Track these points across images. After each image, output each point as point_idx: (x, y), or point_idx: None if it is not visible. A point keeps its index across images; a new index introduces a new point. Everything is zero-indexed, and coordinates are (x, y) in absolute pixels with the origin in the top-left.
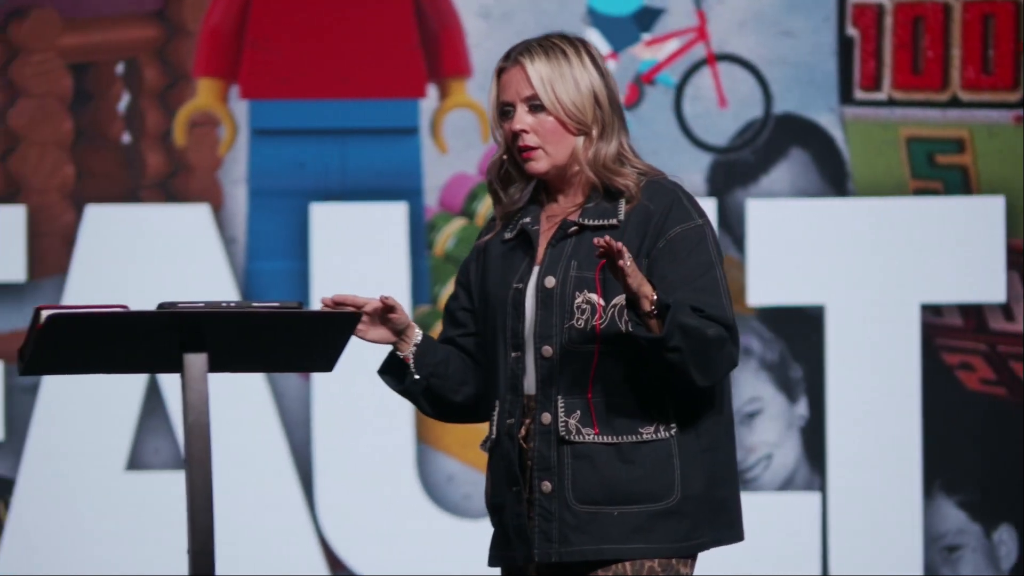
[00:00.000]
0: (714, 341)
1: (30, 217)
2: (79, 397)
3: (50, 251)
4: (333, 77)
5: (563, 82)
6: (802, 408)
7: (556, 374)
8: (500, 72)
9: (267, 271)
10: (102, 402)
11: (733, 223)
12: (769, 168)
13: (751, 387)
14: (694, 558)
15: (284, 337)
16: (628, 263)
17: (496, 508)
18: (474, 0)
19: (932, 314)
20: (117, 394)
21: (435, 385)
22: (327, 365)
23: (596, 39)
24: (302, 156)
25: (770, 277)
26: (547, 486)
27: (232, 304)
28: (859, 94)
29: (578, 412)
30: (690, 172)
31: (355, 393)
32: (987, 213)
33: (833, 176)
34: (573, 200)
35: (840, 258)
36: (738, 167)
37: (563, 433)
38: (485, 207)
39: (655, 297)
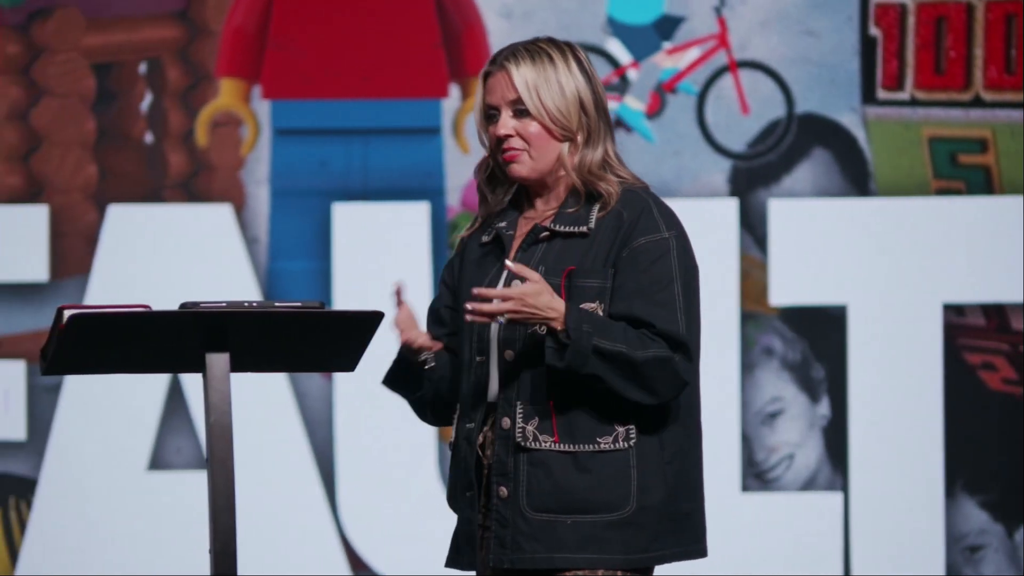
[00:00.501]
0: (647, 363)
1: (53, 217)
2: (101, 397)
3: (73, 251)
4: (355, 77)
5: (548, 87)
6: (824, 408)
7: (517, 379)
8: (486, 76)
9: (289, 271)
10: (124, 402)
11: (755, 223)
12: (791, 168)
13: (773, 387)
14: (650, 571)
15: (306, 337)
16: (511, 314)
17: (453, 510)
18: None
19: (954, 314)
20: (139, 394)
21: (442, 390)
22: (349, 365)
23: (617, 49)
24: (324, 156)
25: (792, 277)
26: (504, 492)
27: (254, 304)
28: (881, 94)
29: (537, 419)
30: (711, 173)
31: (377, 393)
32: (1010, 213)
33: (855, 176)
34: (551, 205)
35: (862, 258)
36: (760, 168)
37: (519, 439)
38: None
39: (564, 326)
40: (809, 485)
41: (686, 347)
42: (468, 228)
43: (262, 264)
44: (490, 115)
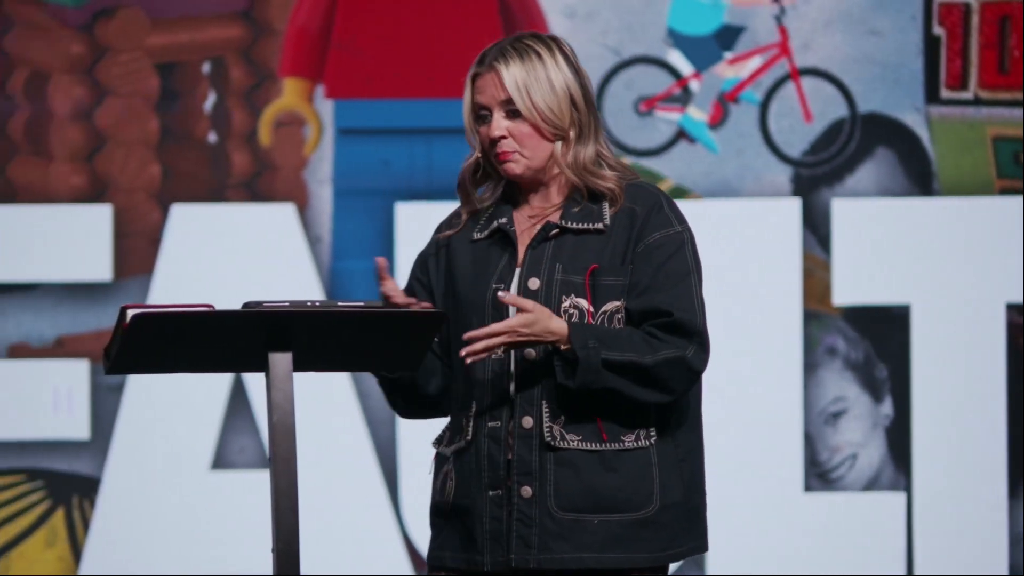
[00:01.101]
0: (659, 365)
1: (116, 216)
2: (164, 396)
3: (136, 250)
4: (418, 76)
5: (538, 86)
6: (887, 408)
7: (540, 378)
8: (475, 77)
9: (352, 270)
10: (187, 401)
11: (818, 223)
12: (855, 168)
13: (836, 387)
14: (666, 568)
15: (369, 337)
16: (508, 337)
17: (460, 510)
18: None
19: (1017, 313)
20: (202, 393)
21: (417, 375)
22: (412, 365)
23: (678, 60)
24: (387, 155)
25: (855, 277)
26: (527, 491)
27: (317, 303)
28: (945, 93)
29: (563, 417)
30: (774, 173)
31: None
32: None
33: (919, 175)
34: (550, 201)
35: (926, 257)
36: (823, 168)
37: (548, 438)
38: None
39: (570, 345)
40: (872, 485)
41: (701, 336)
42: (445, 228)
43: (325, 264)
44: (481, 115)
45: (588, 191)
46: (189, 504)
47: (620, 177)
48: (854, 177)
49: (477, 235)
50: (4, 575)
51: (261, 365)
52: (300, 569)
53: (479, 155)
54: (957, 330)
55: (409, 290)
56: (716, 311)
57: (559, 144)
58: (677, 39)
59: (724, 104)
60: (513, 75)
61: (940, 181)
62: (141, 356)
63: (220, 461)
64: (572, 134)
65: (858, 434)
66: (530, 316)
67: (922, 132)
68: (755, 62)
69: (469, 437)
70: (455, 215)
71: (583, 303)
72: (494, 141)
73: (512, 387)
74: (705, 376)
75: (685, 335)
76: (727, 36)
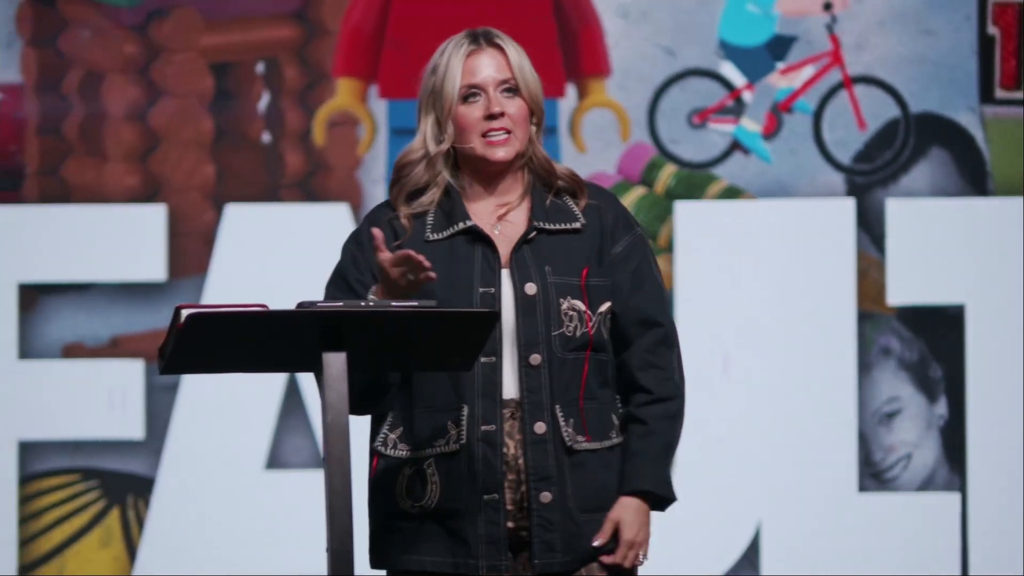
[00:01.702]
0: (677, 416)
1: (170, 216)
2: (219, 396)
3: (190, 250)
4: None
5: (527, 69)
6: (942, 408)
7: (547, 382)
8: (467, 55)
9: None
10: (241, 401)
11: (873, 222)
12: (909, 168)
13: (890, 387)
14: None
15: (422, 336)
16: (634, 559)
17: (445, 513)
18: None
19: None
20: (256, 393)
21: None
22: (465, 364)
23: (730, 71)
24: None
25: (910, 276)
26: (547, 496)
27: (371, 303)
28: (999, 93)
29: (572, 420)
30: (827, 173)
31: None
32: None
33: (973, 175)
34: (511, 194)
35: (980, 257)
36: (869, 164)
37: (569, 442)
38: (665, 175)
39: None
40: (927, 485)
41: (677, 338)
42: (395, 235)
43: None
44: (471, 95)
45: (544, 184)
46: (243, 504)
47: (568, 171)
48: (908, 177)
49: (434, 236)
50: (59, 575)
51: (315, 365)
52: (354, 569)
53: (437, 147)
54: (1012, 330)
55: (350, 290)
56: (770, 311)
57: (533, 129)
58: (729, 50)
59: (777, 114)
60: (512, 55)
61: (994, 181)
62: (195, 356)
63: (274, 461)
64: (539, 122)
65: (912, 434)
66: (632, 528)
67: (976, 132)
68: (807, 72)
69: (463, 441)
70: (385, 217)
71: (580, 305)
72: (491, 117)
73: (511, 392)
74: (759, 376)
75: (668, 345)
76: (779, 46)
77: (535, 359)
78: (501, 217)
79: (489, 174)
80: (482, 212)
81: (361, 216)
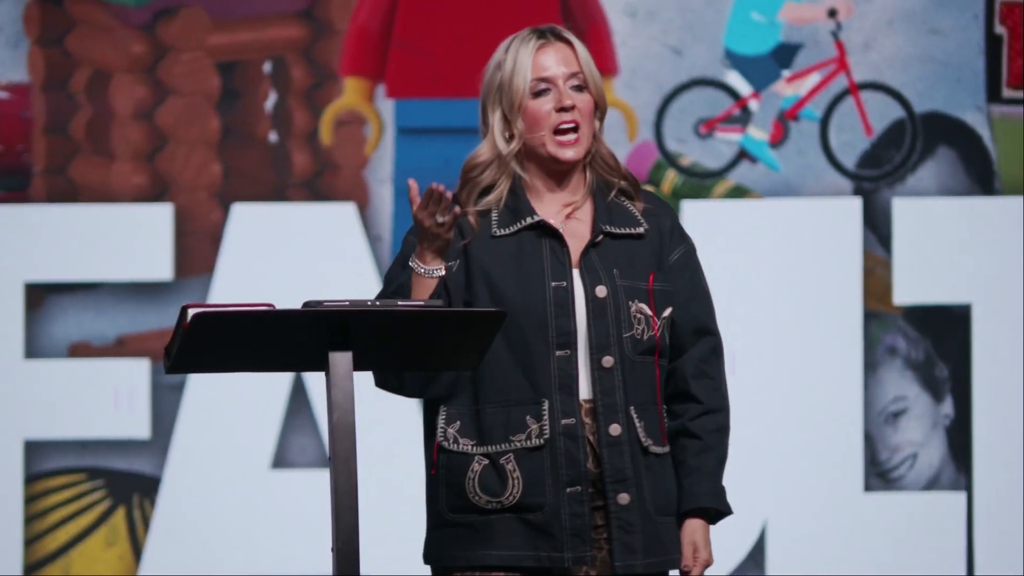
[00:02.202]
0: (726, 429)
1: (177, 215)
2: (225, 395)
3: (197, 249)
4: (479, 75)
5: (593, 65)
6: (948, 407)
7: (621, 384)
8: (536, 49)
9: None
10: (247, 400)
11: (879, 221)
12: (916, 167)
13: (896, 386)
14: None
15: (428, 335)
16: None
17: (527, 507)
18: None
19: None
20: (262, 392)
21: None
22: (472, 363)
23: (737, 80)
24: (448, 155)
25: (916, 276)
26: (625, 498)
27: (377, 303)
28: (1007, 92)
29: (645, 423)
30: (834, 173)
31: None
32: None
33: (980, 175)
34: (575, 193)
35: (987, 257)
36: (874, 168)
37: (646, 444)
38: (672, 174)
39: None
40: (932, 485)
41: (719, 338)
42: (462, 234)
43: (385, 263)
44: (541, 91)
45: (605, 183)
46: (249, 503)
47: (624, 173)
48: (915, 176)
49: (500, 231)
50: (65, 574)
51: (321, 364)
52: (360, 568)
53: (508, 146)
54: (1018, 330)
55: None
56: (777, 310)
57: (597, 126)
58: (735, 59)
59: (784, 122)
60: (580, 49)
61: (1001, 180)
62: (202, 355)
63: (280, 460)
64: (603, 117)
65: (918, 434)
66: (704, 552)
67: (983, 131)
68: (813, 79)
69: (547, 435)
70: (457, 202)
71: (647, 309)
72: (564, 109)
73: (585, 391)
74: (766, 375)
75: (718, 354)
76: (784, 54)
77: (608, 361)
78: (568, 216)
79: (556, 172)
80: (548, 209)
81: (368, 216)
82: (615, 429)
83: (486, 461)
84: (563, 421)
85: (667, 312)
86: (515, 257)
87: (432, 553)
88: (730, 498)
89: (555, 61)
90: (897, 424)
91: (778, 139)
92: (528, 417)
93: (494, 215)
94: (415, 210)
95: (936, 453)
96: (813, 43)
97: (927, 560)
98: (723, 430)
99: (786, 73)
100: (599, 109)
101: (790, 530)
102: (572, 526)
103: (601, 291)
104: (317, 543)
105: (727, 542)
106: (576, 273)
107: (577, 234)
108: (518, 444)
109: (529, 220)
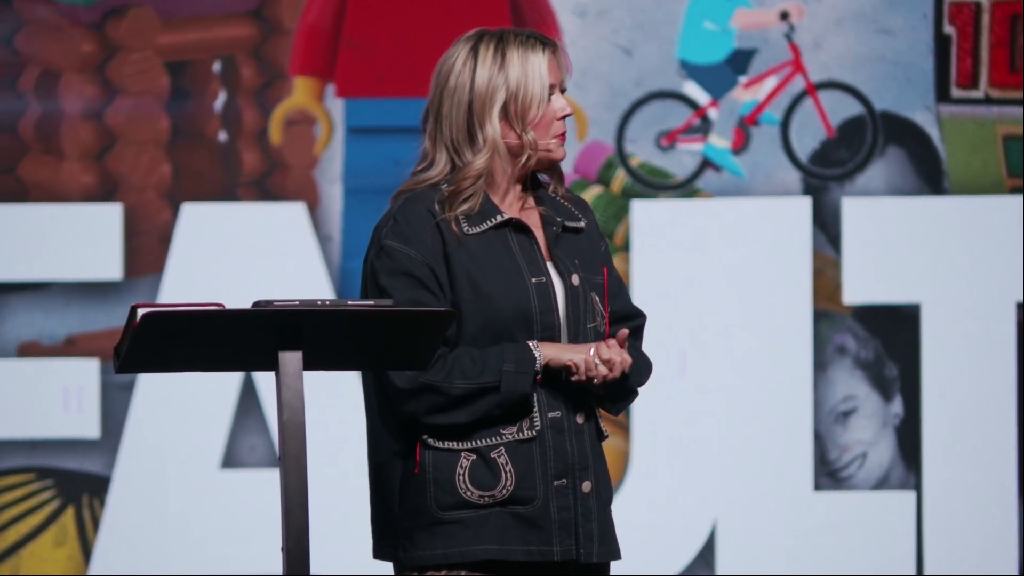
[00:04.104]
0: (646, 377)
1: (126, 215)
2: (175, 395)
3: (146, 249)
4: (428, 75)
5: None
6: (897, 407)
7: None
8: (549, 56)
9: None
10: (197, 400)
11: (829, 221)
12: (865, 166)
13: (846, 385)
14: None
15: (379, 335)
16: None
17: (518, 501)
18: None
19: None
20: (212, 392)
21: None
22: (422, 363)
23: (694, 90)
24: (398, 154)
25: (866, 275)
26: (587, 486)
27: (327, 302)
28: (956, 92)
29: (597, 412)
30: (786, 170)
31: None
32: None
33: (929, 174)
34: (517, 192)
35: (936, 256)
36: (834, 166)
37: (605, 432)
38: (622, 173)
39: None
40: (882, 484)
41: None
42: (441, 233)
43: (335, 263)
44: (550, 97)
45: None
46: (199, 503)
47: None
48: (864, 176)
49: (472, 229)
50: (14, 574)
51: (271, 364)
52: (311, 568)
53: (533, 143)
54: (967, 329)
55: (423, 286)
56: (727, 309)
57: None
58: (691, 70)
59: (745, 128)
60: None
61: (950, 180)
62: (151, 355)
63: (230, 460)
64: None
65: (868, 433)
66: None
67: (933, 131)
68: (770, 83)
69: (538, 428)
70: (424, 224)
71: (599, 304)
72: (566, 116)
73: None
74: (716, 374)
75: (640, 337)
76: (739, 60)
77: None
78: (522, 209)
79: (527, 170)
80: (504, 205)
81: (317, 215)
82: (580, 418)
83: (474, 456)
84: (550, 414)
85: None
86: (489, 255)
87: (420, 552)
88: (681, 497)
89: (555, 68)
90: (847, 423)
91: (740, 146)
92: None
93: (458, 211)
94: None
95: (886, 452)
96: (767, 47)
97: (877, 559)
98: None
99: (743, 79)
100: None
101: (740, 529)
102: (560, 519)
103: (575, 280)
104: (267, 543)
105: (677, 542)
106: (550, 266)
107: (538, 229)
108: (509, 437)
109: (500, 218)
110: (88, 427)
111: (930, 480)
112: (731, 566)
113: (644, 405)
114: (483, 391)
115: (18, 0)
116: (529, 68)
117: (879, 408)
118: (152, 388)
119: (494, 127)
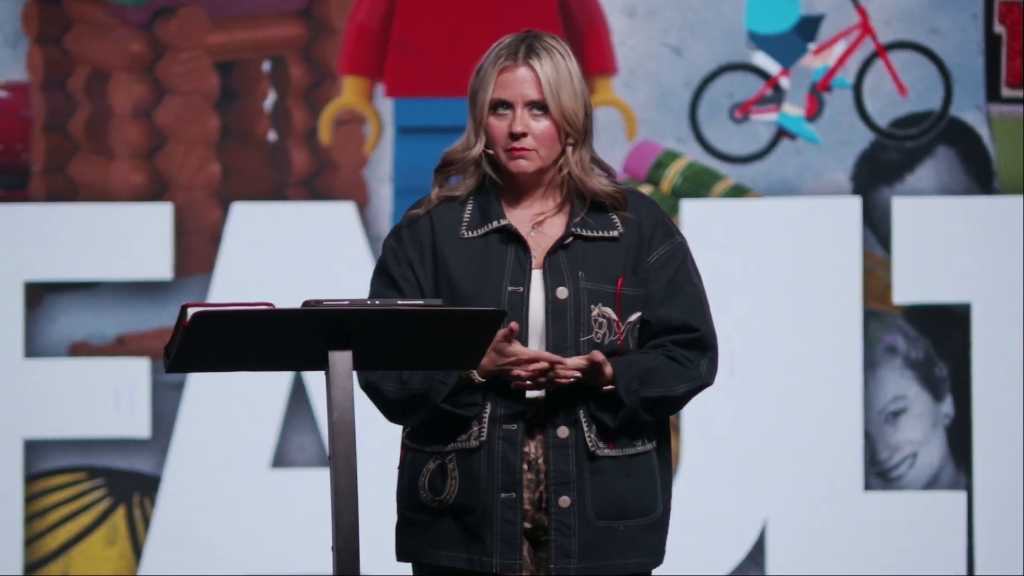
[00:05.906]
0: (685, 396)
1: (177, 215)
2: (225, 394)
3: (196, 249)
4: None
5: (565, 89)
6: (947, 406)
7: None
8: (501, 69)
9: None
10: (247, 399)
11: (878, 221)
12: (915, 166)
13: (896, 385)
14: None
15: (428, 335)
16: (571, 377)
17: (462, 509)
18: None
19: None
20: (262, 391)
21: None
22: (471, 362)
23: (764, 61)
24: None
25: (916, 275)
26: (566, 501)
27: (377, 302)
28: (1006, 91)
29: (596, 426)
30: (834, 171)
31: None
32: None
33: (979, 174)
34: (549, 203)
35: (986, 256)
36: (883, 165)
37: (592, 448)
38: (671, 173)
39: (611, 385)
40: (932, 484)
41: (715, 351)
42: (431, 226)
43: None
44: (499, 108)
45: (580, 194)
46: (249, 502)
47: (615, 184)
48: (914, 175)
49: (469, 233)
50: (65, 574)
51: (321, 363)
52: (360, 568)
53: (484, 148)
54: (1018, 328)
55: (395, 285)
56: (776, 309)
57: (570, 147)
58: (759, 40)
59: (817, 95)
60: (547, 75)
61: (1000, 179)
62: (201, 354)
63: (280, 459)
64: (582, 138)
65: (918, 433)
66: (596, 367)
67: (982, 130)
68: (840, 47)
69: (483, 438)
70: (415, 222)
71: (611, 313)
72: (514, 136)
73: (540, 393)
74: (765, 374)
75: (701, 350)
76: (807, 27)
77: None
78: (538, 224)
79: (521, 183)
80: (520, 216)
81: (367, 215)
82: (563, 432)
83: (439, 461)
84: (504, 427)
85: (634, 317)
86: (478, 260)
87: (396, 549)
88: (731, 497)
89: (515, 84)
90: (897, 423)
91: (813, 113)
92: (472, 419)
93: (465, 215)
94: (515, 371)
95: (936, 452)
96: (835, 11)
97: (927, 559)
98: (679, 375)
99: (812, 46)
100: (571, 131)
101: (790, 529)
102: (503, 532)
103: (562, 292)
104: (317, 542)
105: (727, 542)
106: (538, 274)
107: (545, 240)
108: (459, 445)
109: (497, 223)
110: (138, 427)
111: (981, 480)
112: (781, 566)
113: (694, 405)
114: (413, 398)
115: (68, 0)
116: (479, 81)
117: (929, 408)
118: (202, 387)
119: (469, 123)
